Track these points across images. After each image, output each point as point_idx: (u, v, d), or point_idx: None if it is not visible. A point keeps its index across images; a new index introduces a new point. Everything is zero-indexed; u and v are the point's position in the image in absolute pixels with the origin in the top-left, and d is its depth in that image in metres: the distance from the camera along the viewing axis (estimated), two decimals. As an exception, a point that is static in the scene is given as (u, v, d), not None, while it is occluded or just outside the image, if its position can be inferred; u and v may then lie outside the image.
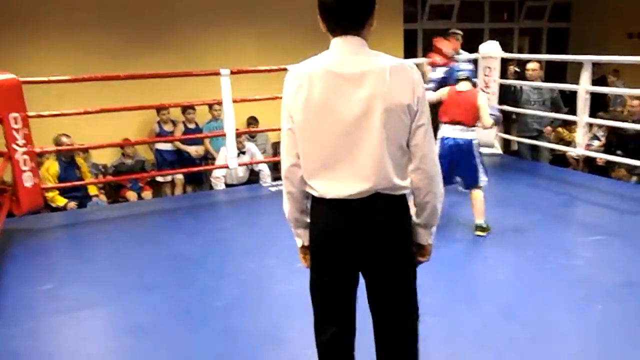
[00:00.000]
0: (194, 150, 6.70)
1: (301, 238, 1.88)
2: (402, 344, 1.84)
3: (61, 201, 5.38)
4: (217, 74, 5.10)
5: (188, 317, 2.99)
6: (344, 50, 1.68)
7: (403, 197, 1.75)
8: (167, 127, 6.71)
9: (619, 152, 5.86)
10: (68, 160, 5.54)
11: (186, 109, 6.69)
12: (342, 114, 1.64)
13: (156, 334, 2.83)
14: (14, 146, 4.28)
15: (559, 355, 2.53)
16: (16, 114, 4.26)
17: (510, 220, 4.35)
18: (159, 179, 6.68)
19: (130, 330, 2.91)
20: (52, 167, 5.40)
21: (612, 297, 3.05)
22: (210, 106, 6.69)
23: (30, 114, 4.40)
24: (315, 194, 1.74)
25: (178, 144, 6.73)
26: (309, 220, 1.83)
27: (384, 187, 1.68)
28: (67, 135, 5.62)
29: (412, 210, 1.80)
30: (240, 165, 5.66)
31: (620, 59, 5.89)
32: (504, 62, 6.46)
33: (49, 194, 5.25)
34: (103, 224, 4.77)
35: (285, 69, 5.50)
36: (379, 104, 1.62)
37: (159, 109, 6.61)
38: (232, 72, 5.13)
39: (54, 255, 4.08)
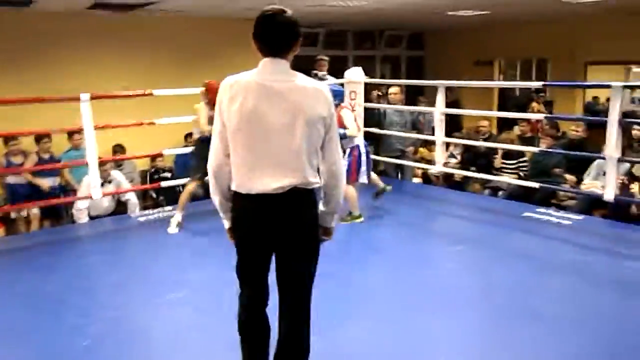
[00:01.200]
0: (46, 183, 6.16)
1: (228, 221, 2.18)
2: (300, 300, 2.16)
3: None
4: (77, 99, 4.77)
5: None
6: (272, 69, 1.99)
7: (313, 191, 2.08)
8: (16, 160, 6.13)
9: (472, 168, 6.39)
10: None
11: (41, 138, 6.17)
12: (270, 121, 1.95)
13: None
14: None
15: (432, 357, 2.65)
16: None
17: (379, 234, 4.54)
18: (12, 215, 6.06)
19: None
20: None
21: (474, 300, 3.27)
22: (70, 135, 6.25)
23: None
24: (242, 190, 2.03)
25: (28, 176, 6.16)
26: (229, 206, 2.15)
27: (301, 183, 2.01)
28: None
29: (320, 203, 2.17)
30: (105, 195, 5.32)
31: (469, 84, 6.47)
32: (368, 87, 6.79)
33: None
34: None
35: (150, 94, 5.32)
36: (302, 116, 1.96)
37: (7, 140, 6.04)
38: (92, 98, 4.83)
39: None
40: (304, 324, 2.19)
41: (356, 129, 4.77)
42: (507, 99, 10.21)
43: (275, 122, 1.95)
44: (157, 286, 3.62)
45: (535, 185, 5.11)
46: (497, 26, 9.65)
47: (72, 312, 3.27)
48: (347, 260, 3.98)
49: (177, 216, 4.80)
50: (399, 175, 6.78)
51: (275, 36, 1.98)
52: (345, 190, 4.21)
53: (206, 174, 4.53)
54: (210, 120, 4.48)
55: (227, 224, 2.20)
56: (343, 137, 4.53)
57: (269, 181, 1.98)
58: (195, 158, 4.79)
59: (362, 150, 4.81)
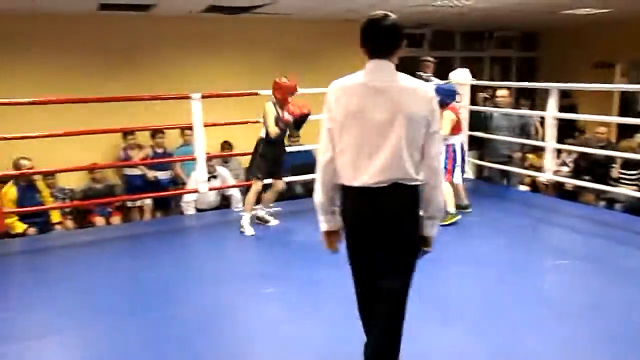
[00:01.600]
0: (151, 173, 6.57)
1: (325, 223, 2.23)
2: (393, 310, 2.18)
3: (20, 227, 5.18)
4: (188, 97, 5.04)
5: (148, 345, 2.87)
6: (376, 70, 2.11)
7: (415, 189, 2.13)
8: (133, 153, 6.60)
9: (587, 177, 5.95)
10: (27, 185, 5.36)
11: (156, 133, 6.60)
12: (372, 118, 2.07)
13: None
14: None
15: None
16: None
17: (480, 242, 4.35)
18: (128, 204, 6.54)
19: (89, 358, 2.79)
20: (9, 192, 5.22)
21: (579, 318, 3.04)
22: (182, 131, 6.62)
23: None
24: (347, 182, 2.12)
25: (143, 168, 6.62)
26: (334, 208, 2.22)
27: (402, 177, 2.08)
28: (27, 159, 5.46)
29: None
30: (210, 189, 5.57)
31: (585, 86, 6.03)
32: (475, 90, 6.55)
33: (8, 220, 5.04)
34: (66, 250, 4.60)
35: (256, 94, 5.49)
36: (402, 113, 2.05)
37: (126, 134, 6.52)
38: (203, 96, 5.08)
39: (10, 283, 3.91)
40: (393, 339, 2.19)
41: (447, 130, 4.73)
42: (629, 105, 9.40)
43: (377, 118, 2.06)
44: (254, 279, 3.73)
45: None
46: (620, 25, 8.91)
47: (173, 300, 3.45)
48: (443, 267, 3.85)
49: (247, 217, 4.67)
50: (505, 181, 6.47)
51: (379, 40, 2.10)
52: None
53: (267, 175, 4.64)
54: (276, 121, 4.58)
55: (324, 227, 2.24)
56: None
57: (372, 175, 2.08)
58: (262, 159, 4.69)
59: (458, 149, 4.84)
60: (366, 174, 2.08)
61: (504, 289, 3.46)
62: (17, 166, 5.34)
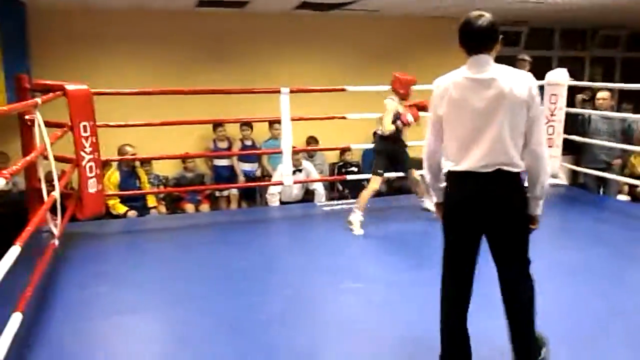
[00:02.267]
0: (249, 168, 6.80)
1: (437, 198, 2.52)
2: (522, 286, 2.34)
3: (121, 209, 5.57)
4: (278, 92, 5.17)
5: (231, 329, 2.98)
6: (477, 64, 2.26)
7: (519, 175, 2.26)
8: (222, 145, 6.86)
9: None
10: (129, 170, 5.75)
11: (242, 125, 6.83)
12: (475, 107, 2.23)
13: (197, 343, 2.84)
14: (82, 153, 4.46)
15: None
16: (86, 123, 4.45)
17: (573, 253, 4.13)
18: (216, 193, 6.82)
19: (174, 338, 2.95)
20: (113, 176, 5.60)
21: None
22: (271, 125, 6.80)
23: (98, 123, 4.61)
24: (452, 167, 2.31)
25: (233, 160, 6.86)
26: (442, 185, 2.45)
27: (506, 163, 2.22)
28: (131, 146, 5.85)
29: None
30: (295, 183, 5.69)
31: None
32: (573, 91, 6.22)
33: (110, 202, 5.45)
34: (160, 233, 4.90)
35: (343, 89, 5.53)
36: (504, 100, 2.19)
37: (216, 127, 6.79)
38: (291, 91, 5.19)
39: (109, 260, 4.21)
40: (528, 307, 2.34)
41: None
42: None
43: (480, 107, 2.22)
44: (334, 272, 3.77)
45: None
46: None
47: (256, 288, 3.56)
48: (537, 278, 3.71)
49: (358, 215, 4.58)
50: (602, 189, 6.09)
51: (476, 39, 2.26)
52: None
53: (387, 170, 4.64)
54: (395, 118, 4.49)
55: (435, 199, 2.55)
56: None
57: (476, 160, 2.24)
58: (378, 155, 4.73)
59: None
60: (470, 160, 2.25)
61: (599, 304, 3.27)
62: (121, 152, 5.75)
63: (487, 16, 2.26)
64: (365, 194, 4.63)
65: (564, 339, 2.80)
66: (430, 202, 4.69)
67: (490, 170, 2.22)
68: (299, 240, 4.62)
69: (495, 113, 2.20)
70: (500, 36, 2.28)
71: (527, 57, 5.88)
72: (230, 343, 2.83)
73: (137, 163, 5.94)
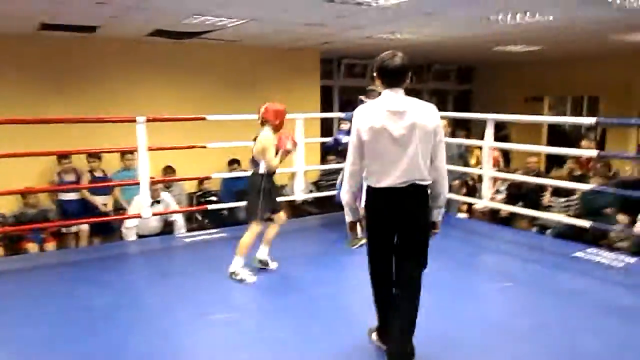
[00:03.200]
0: (101, 201, 6.42)
1: (351, 216, 2.93)
2: (413, 282, 2.80)
3: (-51, 254, 4.89)
4: (133, 121, 4.95)
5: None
6: (392, 98, 2.67)
7: (427, 187, 2.73)
8: (68, 178, 6.39)
9: (520, 203, 6.27)
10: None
11: (89, 157, 6.44)
12: (394, 135, 2.63)
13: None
14: None
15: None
16: None
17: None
18: (63, 230, 6.30)
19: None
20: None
21: (525, 338, 3.18)
22: (123, 155, 6.48)
23: None
24: (375, 185, 2.71)
25: (86, 193, 6.42)
26: (356, 205, 2.92)
27: (418, 178, 2.66)
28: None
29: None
30: (154, 214, 5.45)
31: (520, 117, 6.38)
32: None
33: None
34: (1, 277, 4.37)
35: (203, 118, 5.47)
36: (417, 129, 2.62)
37: (60, 158, 6.32)
38: (148, 120, 5.00)
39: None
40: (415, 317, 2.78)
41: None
42: (556, 137, 10.02)
43: (398, 135, 2.62)
44: (202, 306, 3.66)
45: (586, 224, 4.95)
46: (548, 62, 9.54)
47: (118, 327, 3.35)
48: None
49: (240, 262, 4.15)
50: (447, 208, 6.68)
51: (391, 76, 2.67)
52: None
53: (273, 212, 4.33)
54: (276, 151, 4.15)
55: (349, 218, 2.94)
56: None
57: (395, 178, 2.65)
58: (263, 195, 4.16)
59: None
60: (390, 178, 2.66)
61: (448, 314, 3.56)
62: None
63: (400, 55, 2.68)
64: (247, 240, 4.17)
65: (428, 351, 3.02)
66: (265, 254, 4.37)
67: (406, 185, 2.65)
68: (160, 275, 4.41)
69: (410, 139, 2.62)
70: (410, 72, 2.71)
71: (376, 89, 6.32)
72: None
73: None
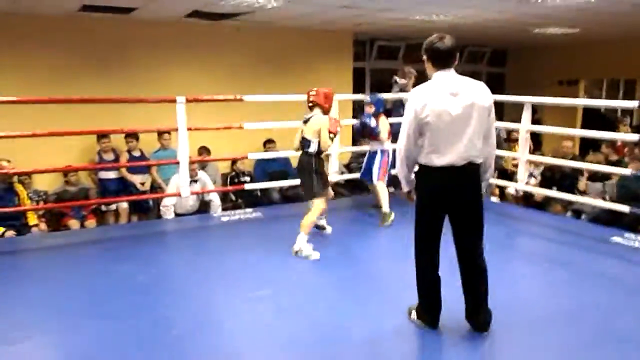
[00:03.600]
0: (139, 180, 6.57)
1: (407, 187, 3.03)
2: (480, 256, 2.93)
3: (-3, 230, 5.09)
4: (173, 101, 5.05)
5: (141, 346, 2.88)
6: (447, 78, 2.77)
7: (479, 165, 2.84)
8: (107, 157, 6.55)
9: (554, 188, 6.21)
10: (5, 187, 5.27)
11: (127, 137, 6.58)
12: (452, 115, 2.71)
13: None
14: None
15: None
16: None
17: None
18: (103, 207, 6.48)
19: (80, 358, 2.77)
20: (-13, 194, 5.11)
21: (569, 320, 3.20)
22: (160, 135, 6.61)
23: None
24: (432, 164, 2.79)
25: (124, 172, 6.58)
26: (412, 176, 2.98)
27: (475, 156, 2.78)
28: (7, 160, 5.38)
29: None
30: (192, 193, 5.57)
31: (556, 100, 6.31)
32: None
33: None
34: (45, 252, 4.55)
35: (241, 99, 5.54)
36: (475, 108, 2.73)
37: (100, 138, 6.47)
38: (187, 101, 5.09)
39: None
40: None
41: (386, 136, 5.35)
42: (591, 121, 9.85)
43: (457, 114, 2.70)
44: (239, 283, 3.77)
45: (625, 209, 4.90)
46: (584, 45, 9.35)
47: (161, 303, 3.45)
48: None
49: (305, 238, 4.24)
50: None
51: (443, 58, 2.77)
52: (377, 188, 5.26)
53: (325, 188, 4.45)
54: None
55: (406, 188, 3.04)
56: (377, 135, 5.28)
57: (455, 156, 2.74)
58: (317, 175, 4.35)
59: (391, 155, 5.32)
60: (451, 156, 2.74)
61: (490, 294, 3.58)
62: (-4, 167, 5.25)
63: (448, 37, 2.78)
64: (312, 218, 4.32)
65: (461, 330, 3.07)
66: (323, 220, 4.73)
67: (465, 163, 2.75)
68: (198, 253, 4.52)
69: (470, 118, 2.72)
70: (457, 53, 2.79)
71: (413, 70, 6.30)
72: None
73: (15, 178, 5.47)
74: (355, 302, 3.41)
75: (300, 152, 4.47)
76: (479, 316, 2.95)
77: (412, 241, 2.98)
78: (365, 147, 5.84)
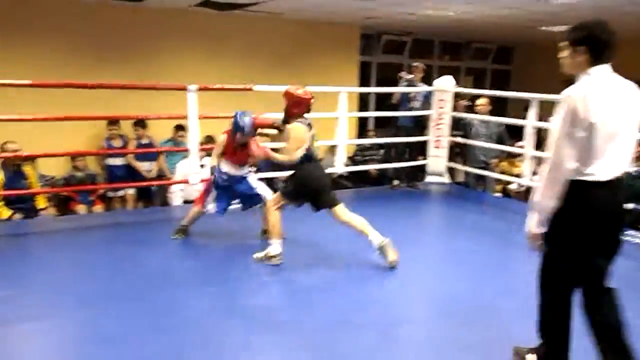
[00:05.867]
0: (146, 167, 6.60)
1: (542, 226, 2.29)
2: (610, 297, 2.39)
3: (6, 213, 5.12)
4: (184, 89, 5.08)
5: (158, 327, 2.93)
6: (611, 75, 2.25)
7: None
8: (116, 144, 6.59)
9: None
10: (14, 170, 5.31)
11: (135, 124, 6.61)
12: (620, 116, 2.20)
13: (124, 343, 2.75)
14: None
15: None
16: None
17: (465, 242, 4.56)
18: (110, 194, 6.52)
19: (96, 340, 2.81)
20: (-3, 176, 5.14)
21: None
22: (176, 131, 6.57)
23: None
24: (595, 179, 2.20)
25: (130, 158, 6.62)
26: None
27: (626, 165, 2.27)
28: (14, 142, 5.41)
29: None
30: (202, 181, 5.60)
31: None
32: (455, 98, 6.79)
33: (-5, 205, 5.00)
34: (55, 235, 4.60)
35: (250, 89, 5.57)
36: (637, 110, 2.25)
37: (109, 124, 6.51)
38: (199, 89, 5.13)
39: (4, 263, 3.88)
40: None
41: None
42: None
43: (624, 116, 2.22)
44: (250, 267, 3.83)
45: (629, 206, 4.94)
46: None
47: (175, 284, 3.51)
48: (428, 265, 4.07)
49: (277, 247, 3.87)
50: (481, 187, 6.72)
51: (610, 48, 2.25)
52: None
53: (302, 201, 3.94)
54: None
55: (539, 229, 2.31)
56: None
57: (619, 166, 2.23)
58: (296, 182, 3.92)
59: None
60: (615, 167, 2.22)
61: (492, 284, 3.66)
62: (3, 150, 5.28)
63: (608, 24, 2.28)
64: (276, 223, 3.92)
65: (476, 321, 3.12)
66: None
67: (620, 175, 2.25)
68: (208, 238, 4.58)
69: (633, 120, 2.26)
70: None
71: (420, 65, 6.34)
72: (158, 341, 2.77)
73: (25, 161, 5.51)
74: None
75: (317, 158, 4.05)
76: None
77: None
78: (375, 140, 5.79)
